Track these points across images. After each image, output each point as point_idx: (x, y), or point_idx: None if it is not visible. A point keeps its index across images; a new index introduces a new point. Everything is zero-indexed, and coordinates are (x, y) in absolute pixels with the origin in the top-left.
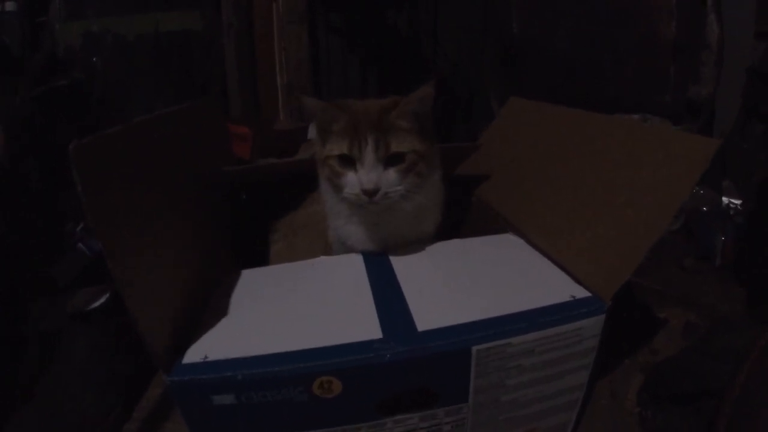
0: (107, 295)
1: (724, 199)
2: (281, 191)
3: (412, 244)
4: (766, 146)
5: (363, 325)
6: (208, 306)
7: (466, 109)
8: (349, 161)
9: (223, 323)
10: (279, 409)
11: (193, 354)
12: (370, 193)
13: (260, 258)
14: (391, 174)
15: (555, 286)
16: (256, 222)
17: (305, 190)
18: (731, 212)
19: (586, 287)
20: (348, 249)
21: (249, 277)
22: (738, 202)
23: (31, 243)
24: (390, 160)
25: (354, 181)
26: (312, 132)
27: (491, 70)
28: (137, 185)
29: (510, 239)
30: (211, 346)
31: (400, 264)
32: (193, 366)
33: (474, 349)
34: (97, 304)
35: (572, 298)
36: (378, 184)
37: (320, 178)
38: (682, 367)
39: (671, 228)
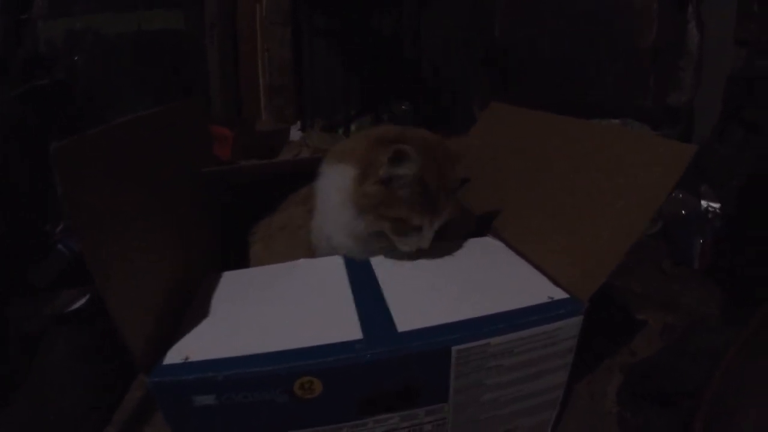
0: (87, 296)
1: (703, 203)
2: (261, 193)
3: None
4: (746, 151)
5: (343, 326)
6: (190, 307)
7: (449, 113)
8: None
9: (205, 324)
10: (260, 409)
11: (174, 355)
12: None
13: (242, 260)
14: None
15: (533, 288)
16: (238, 224)
17: (284, 191)
18: (709, 216)
19: (564, 289)
20: (332, 250)
21: (230, 279)
22: (716, 205)
23: (11, 244)
24: None
25: (414, 241)
26: (295, 133)
27: (474, 75)
28: (119, 186)
29: (489, 242)
30: (192, 347)
31: (380, 266)
32: (174, 367)
33: (454, 349)
34: (77, 305)
35: (550, 300)
36: None
37: (331, 193)
38: (661, 367)
39: (650, 232)
